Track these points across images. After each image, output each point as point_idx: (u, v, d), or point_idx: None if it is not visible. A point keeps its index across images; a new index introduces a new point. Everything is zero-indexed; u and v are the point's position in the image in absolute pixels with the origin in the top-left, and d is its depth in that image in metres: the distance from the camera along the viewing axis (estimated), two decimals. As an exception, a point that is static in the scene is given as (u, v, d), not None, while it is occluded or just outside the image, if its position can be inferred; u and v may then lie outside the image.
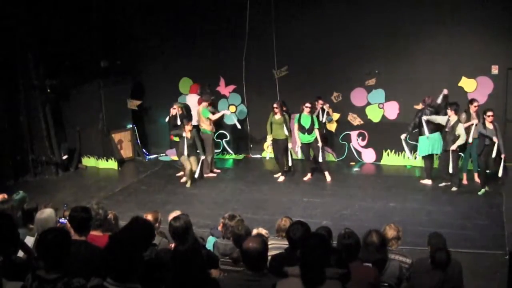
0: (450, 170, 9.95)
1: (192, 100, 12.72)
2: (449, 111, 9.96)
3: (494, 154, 9.62)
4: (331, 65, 11.94)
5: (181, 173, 11.44)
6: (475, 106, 10.11)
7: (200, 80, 12.90)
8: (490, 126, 9.72)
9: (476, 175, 10.40)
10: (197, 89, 12.80)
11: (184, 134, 10.68)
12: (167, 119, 12.01)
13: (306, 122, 10.77)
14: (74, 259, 3.94)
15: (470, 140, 10.07)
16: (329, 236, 5.05)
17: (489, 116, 9.69)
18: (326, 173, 11.00)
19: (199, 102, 11.94)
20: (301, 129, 10.80)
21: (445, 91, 10.62)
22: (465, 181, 10.38)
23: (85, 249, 4.38)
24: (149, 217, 6.04)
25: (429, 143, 10.31)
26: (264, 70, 12.35)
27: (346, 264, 4.12)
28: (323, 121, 11.52)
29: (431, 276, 4.83)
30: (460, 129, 9.82)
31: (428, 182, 10.59)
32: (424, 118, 10.25)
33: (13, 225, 4.39)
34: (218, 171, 11.82)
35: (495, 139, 9.62)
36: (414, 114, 10.58)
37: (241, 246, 4.17)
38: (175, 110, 11.59)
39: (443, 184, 10.32)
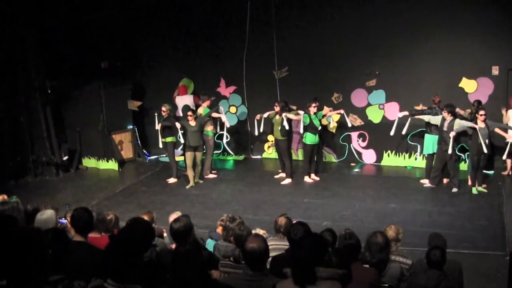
0: (450, 170, 10.03)
1: (181, 101, 12.77)
2: (444, 113, 9.96)
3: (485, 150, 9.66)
4: (332, 66, 11.94)
5: (172, 179, 11.39)
6: (481, 115, 9.72)
7: (200, 81, 12.92)
8: (482, 125, 9.70)
9: (469, 176, 10.31)
10: (185, 91, 12.94)
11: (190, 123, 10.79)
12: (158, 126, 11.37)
13: (317, 123, 10.80)
14: (75, 260, 3.94)
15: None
16: (333, 239, 5.01)
17: (481, 115, 9.70)
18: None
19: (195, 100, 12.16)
20: (314, 130, 10.79)
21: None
22: (469, 183, 10.21)
23: (85, 250, 4.38)
24: (145, 217, 6.01)
25: (432, 142, 10.35)
26: (264, 71, 12.35)
27: (347, 265, 4.11)
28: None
29: (428, 276, 4.82)
30: (458, 124, 9.83)
31: (425, 181, 10.63)
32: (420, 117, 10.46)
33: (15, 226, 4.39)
34: (214, 171, 11.80)
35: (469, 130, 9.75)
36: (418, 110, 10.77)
37: (243, 246, 4.15)
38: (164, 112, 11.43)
39: (428, 185, 10.39)
